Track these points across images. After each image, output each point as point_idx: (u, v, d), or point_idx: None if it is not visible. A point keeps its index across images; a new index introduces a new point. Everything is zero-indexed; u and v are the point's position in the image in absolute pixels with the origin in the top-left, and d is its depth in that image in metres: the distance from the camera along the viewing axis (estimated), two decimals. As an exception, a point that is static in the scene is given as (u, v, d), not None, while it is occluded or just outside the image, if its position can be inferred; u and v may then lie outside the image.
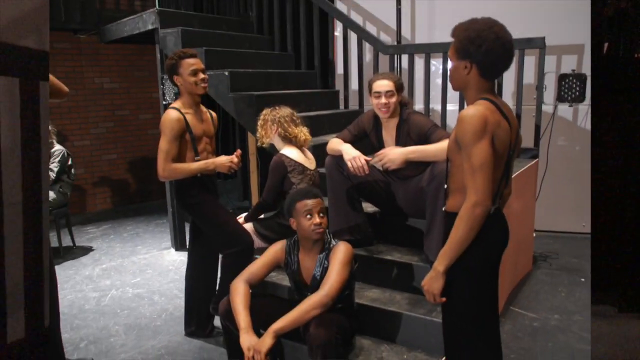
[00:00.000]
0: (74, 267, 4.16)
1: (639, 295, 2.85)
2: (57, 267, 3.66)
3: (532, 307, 3.14)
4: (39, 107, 1.34)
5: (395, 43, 4.70)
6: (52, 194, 4.20)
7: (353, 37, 4.42)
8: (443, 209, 1.82)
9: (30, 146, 1.32)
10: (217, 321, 2.88)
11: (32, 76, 1.31)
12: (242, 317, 2.19)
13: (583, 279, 3.55)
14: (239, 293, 2.26)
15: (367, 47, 4.46)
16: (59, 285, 2.68)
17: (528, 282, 3.53)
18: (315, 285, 2.27)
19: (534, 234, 3.94)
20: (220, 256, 2.82)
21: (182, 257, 4.30)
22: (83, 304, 3.45)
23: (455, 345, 1.79)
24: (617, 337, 2.69)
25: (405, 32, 4.79)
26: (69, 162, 4.41)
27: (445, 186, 1.81)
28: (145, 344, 2.89)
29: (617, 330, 2.73)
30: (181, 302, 3.20)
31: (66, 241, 4.63)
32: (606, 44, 2.91)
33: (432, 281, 1.72)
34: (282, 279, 2.88)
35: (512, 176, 1.86)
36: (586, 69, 4.15)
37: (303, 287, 2.38)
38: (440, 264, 1.69)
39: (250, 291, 2.31)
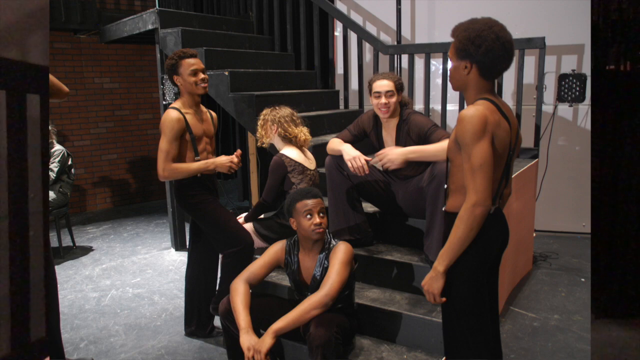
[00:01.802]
0: (74, 267, 4.16)
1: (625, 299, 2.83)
2: (57, 267, 3.67)
3: (532, 307, 3.15)
4: (26, 120, 1.32)
5: (395, 43, 4.70)
6: (52, 194, 4.20)
7: (353, 37, 4.42)
8: (443, 209, 1.82)
9: (16, 159, 1.30)
10: (217, 321, 2.89)
11: (18, 88, 1.29)
12: (242, 317, 2.19)
13: (583, 279, 3.55)
14: (239, 293, 2.26)
15: (367, 47, 4.46)
16: (59, 285, 2.68)
17: (528, 282, 3.53)
18: (315, 285, 2.27)
19: (534, 234, 3.94)
20: (220, 256, 2.82)
21: (182, 257, 4.30)
22: (83, 304, 3.45)
23: (455, 345, 1.79)
24: (614, 339, 2.69)
25: (405, 32, 4.80)
26: (69, 162, 4.41)
27: (445, 186, 1.81)
28: (145, 344, 2.89)
29: (614, 333, 2.73)
30: (181, 302, 3.20)
31: (66, 241, 4.63)
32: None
33: (432, 281, 1.72)
34: (282, 279, 2.89)
35: (512, 176, 1.86)
36: (586, 69, 4.15)
37: (303, 287, 2.38)
38: (440, 264, 1.69)
39: (250, 291, 2.31)
